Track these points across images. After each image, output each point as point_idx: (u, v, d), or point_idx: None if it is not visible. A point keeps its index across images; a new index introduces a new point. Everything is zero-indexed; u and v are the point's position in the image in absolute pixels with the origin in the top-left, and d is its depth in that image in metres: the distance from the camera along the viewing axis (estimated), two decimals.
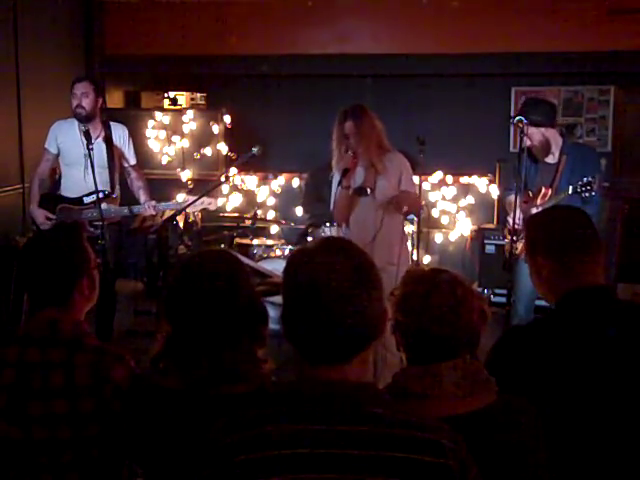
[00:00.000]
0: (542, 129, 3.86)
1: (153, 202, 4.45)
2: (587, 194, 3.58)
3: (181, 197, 5.81)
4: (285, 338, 1.36)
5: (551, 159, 3.94)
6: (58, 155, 4.46)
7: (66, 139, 4.41)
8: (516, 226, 4.02)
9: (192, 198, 4.49)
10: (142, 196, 4.54)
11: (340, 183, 3.85)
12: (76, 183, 4.38)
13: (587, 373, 1.77)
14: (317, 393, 1.30)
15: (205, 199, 4.54)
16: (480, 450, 1.47)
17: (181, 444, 1.59)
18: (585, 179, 3.60)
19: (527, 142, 3.88)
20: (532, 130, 3.85)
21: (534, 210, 3.86)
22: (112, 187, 4.43)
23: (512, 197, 4.02)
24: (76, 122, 4.38)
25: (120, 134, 4.56)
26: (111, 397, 1.83)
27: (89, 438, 1.85)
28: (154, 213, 4.54)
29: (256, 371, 1.68)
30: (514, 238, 4.03)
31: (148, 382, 1.72)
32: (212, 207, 4.61)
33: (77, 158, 4.35)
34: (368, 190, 3.88)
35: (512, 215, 3.82)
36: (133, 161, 4.62)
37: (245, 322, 1.68)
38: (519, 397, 1.62)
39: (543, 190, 3.89)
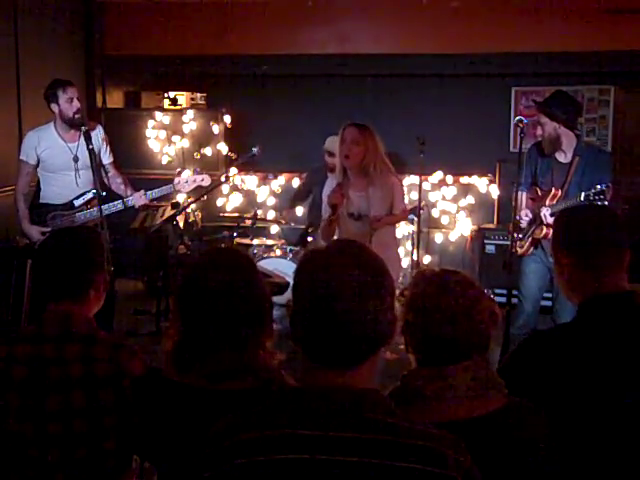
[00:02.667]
0: (556, 124, 3.82)
1: (142, 191, 4.38)
2: (600, 203, 3.47)
3: (181, 197, 5.82)
4: (293, 341, 1.35)
5: (563, 158, 3.89)
6: (36, 165, 4.33)
7: (48, 147, 4.29)
8: (522, 224, 4.01)
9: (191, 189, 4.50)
10: (128, 190, 4.46)
11: (330, 214, 3.75)
12: (64, 188, 4.29)
13: (609, 382, 1.75)
14: (320, 399, 1.29)
15: (197, 176, 4.51)
16: (491, 453, 1.46)
17: (194, 441, 1.58)
18: (599, 187, 3.52)
19: (538, 131, 3.86)
20: (545, 120, 3.82)
21: (544, 210, 3.84)
22: (102, 186, 4.39)
23: (521, 194, 4.00)
24: (52, 128, 4.30)
25: (97, 133, 4.44)
26: (128, 389, 1.85)
27: (105, 431, 1.87)
28: (147, 202, 4.47)
29: (268, 364, 1.69)
30: (519, 236, 4.03)
31: (168, 378, 1.70)
32: (205, 183, 4.55)
33: (64, 164, 4.27)
34: (360, 217, 3.80)
35: (513, 214, 3.81)
36: (111, 159, 4.54)
37: (259, 314, 1.69)
38: (528, 399, 1.60)
39: (553, 191, 3.85)
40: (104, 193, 4.29)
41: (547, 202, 3.86)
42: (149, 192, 4.39)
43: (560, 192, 3.83)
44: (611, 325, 1.80)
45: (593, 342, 1.79)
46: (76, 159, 4.26)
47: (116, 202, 4.34)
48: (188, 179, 4.51)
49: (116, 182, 4.53)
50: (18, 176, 4.41)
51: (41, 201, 4.38)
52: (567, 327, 1.94)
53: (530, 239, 3.98)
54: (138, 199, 4.37)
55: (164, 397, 1.67)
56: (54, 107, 4.25)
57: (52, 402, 1.86)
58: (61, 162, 4.29)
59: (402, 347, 1.66)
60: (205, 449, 1.31)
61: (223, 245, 5.44)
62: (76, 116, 4.21)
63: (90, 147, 4.02)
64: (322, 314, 1.29)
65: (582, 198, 3.58)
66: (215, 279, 1.67)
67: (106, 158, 4.51)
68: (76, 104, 4.23)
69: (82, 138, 4.13)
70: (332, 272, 1.30)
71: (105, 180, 4.53)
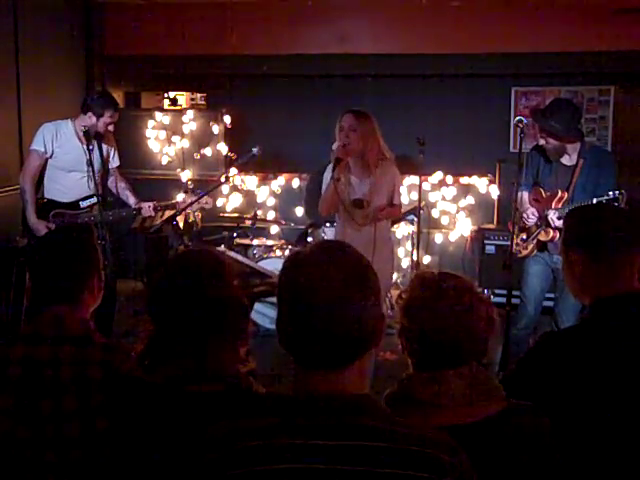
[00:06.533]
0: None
1: (152, 203, 4.45)
2: None
3: (181, 197, 5.82)
4: (280, 344, 1.34)
5: (567, 160, 3.85)
6: (48, 159, 4.35)
7: (64, 143, 4.32)
8: (528, 222, 3.99)
9: (191, 197, 4.52)
10: (131, 197, 4.54)
11: (332, 175, 3.72)
12: (71, 188, 4.33)
13: (624, 384, 1.73)
14: (312, 406, 1.27)
15: (202, 199, 4.55)
16: (488, 459, 1.45)
17: (162, 445, 1.55)
18: (611, 194, 3.50)
19: (541, 141, 3.82)
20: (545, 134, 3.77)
21: (551, 213, 3.81)
22: (106, 191, 4.44)
23: (521, 194, 3.98)
24: (70, 126, 4.33)
25: (107, 148, 4.52)
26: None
27: (98, 435, 1.86)
28: (153, 214, 4.52)
29: (234, 370, 1.65)
30: (523, 237, 4.01)
31: (132, 378, 1.68)
32: (208, 206, 4.62)
33: (78, 163, 4.28)
34: (365, 203, 3.81)
35: (513, 214, 3.80)
36: (118, 163, 4.63)
37: (227, 319, 1.65)
38: (527, 403, 1.58)
39: (559, 194, 3.82)
40: (110, 199, 4.40)
41: (553, 205, 3.83)
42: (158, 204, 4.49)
43: (566, 195, 3.80)
44: (629, 325, 1.78)
45: (611, 342, 1.77)
46: (88, 161, 4.28)
47: (121, 210, 4.46)
48: (192, 201, 4.55)
49: (120, 186, 4.61)
50: (26, 166, 4.39)
51: (45, 196, 4.39)
52: (583, 327, 1.91)
53: (535, 241, 3.96)
54: (146, 212, 4.46)
55: (129, 395, 1.65)
56: (90, 116, 4.25)
57: (46, 405, 1.85)
58: (73, 161, 4.31)
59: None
60: (198, 459, 1.28)
61: (212, 247, 5.44)
62: (98, 132, 4.28)
63: (90, 147, 4.07)
64: (302, 314, 1.28)
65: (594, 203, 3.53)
66: (177, 282, 1.65)
67: (113, 163, 4.60)
68: (110, 129, 4.34)
69: (96, 142, 4.24)
70: (311, 271, 1.29)
71: (109, 183, 4.58)
